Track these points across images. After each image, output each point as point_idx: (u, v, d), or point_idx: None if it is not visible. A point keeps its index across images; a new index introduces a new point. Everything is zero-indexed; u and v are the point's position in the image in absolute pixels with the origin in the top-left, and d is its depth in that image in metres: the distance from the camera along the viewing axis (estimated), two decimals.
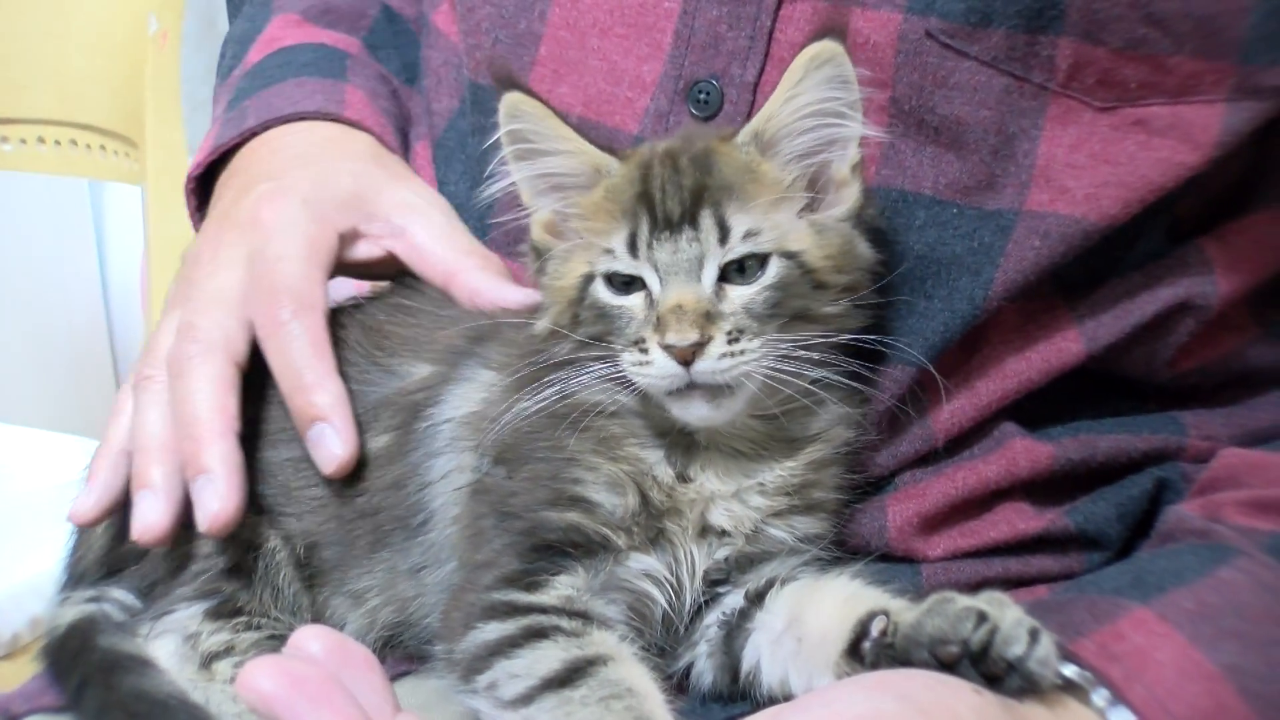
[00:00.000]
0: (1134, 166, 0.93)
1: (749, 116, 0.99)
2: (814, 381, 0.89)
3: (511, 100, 0.92)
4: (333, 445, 0.97)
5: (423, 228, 1.08)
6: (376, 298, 1.10)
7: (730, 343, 0.86)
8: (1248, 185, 1.01)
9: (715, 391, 0.87)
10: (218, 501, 0.95)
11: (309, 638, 0.79)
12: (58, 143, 1.84)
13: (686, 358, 0.85)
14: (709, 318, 0.86)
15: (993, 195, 0.95)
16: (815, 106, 0.89)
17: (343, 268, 1.08)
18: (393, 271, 1.10)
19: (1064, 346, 0.97)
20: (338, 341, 1.02)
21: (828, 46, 0.87)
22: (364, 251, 1.09)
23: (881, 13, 0.94)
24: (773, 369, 0.87)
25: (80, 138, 1.85)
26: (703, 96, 1.00)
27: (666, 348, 0.86)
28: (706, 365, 0.85)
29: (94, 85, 1.84)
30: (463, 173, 1.17)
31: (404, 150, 1.22)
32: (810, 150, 0.90)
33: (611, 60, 1.04)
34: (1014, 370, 0.98)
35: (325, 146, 1.14)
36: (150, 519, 0.96)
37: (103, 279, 2.69)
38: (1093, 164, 0.93)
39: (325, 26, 1.27)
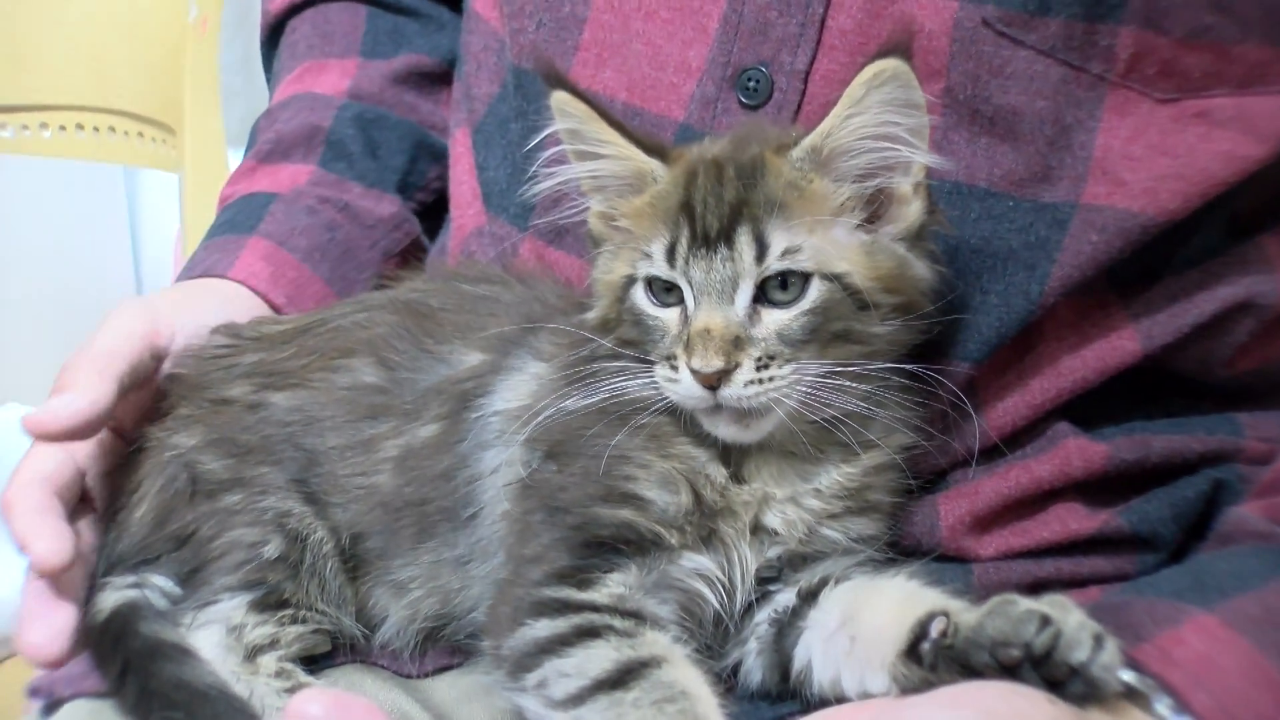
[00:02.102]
0: (1194, 159, 0.91)
1: (799, 106, 0.98)
2: (861, 396, 0.87)
3: (560, 99, 0.91)
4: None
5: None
6: (430, 282, 1.09)
7: (759, 369, 0.85)
8: None
9: (743, 414, 0.86)
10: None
11: (307, 700, 0.77)
12: (95, 129, 1.83)
13: (712, 383, 0.85)
14: (738, 343, 0.85)
15: (1048, 187, 0.93)
16: (875, 130, 0.86)
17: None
18: None
19: (1120, 345, 0.95)
20: (379, 331, 1.03)
21: (890, 64, 0.84)
22: None
23: (937, 0, 0.92)
24: (806, 394, 0.86)
25: (118, 124, 1.84)
26: (751, 84, 0.99)
27: (693, 371, 0.85)
28: (732, 392, 0.85)
29: (132, 72, 1.83)
30: (503, 157, 1.17)
31: (351, 266, 1.25)
32: (868, 172, 0.88)
33: (656, 45, 1.03)
34: (1069, 369, 0.96)
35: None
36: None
37: (136, 265, 2.69)
38: (1151, 156, 0.92)
39: (276, 163, 1.28)
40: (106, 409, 0.97)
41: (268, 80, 1.46)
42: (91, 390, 0.96)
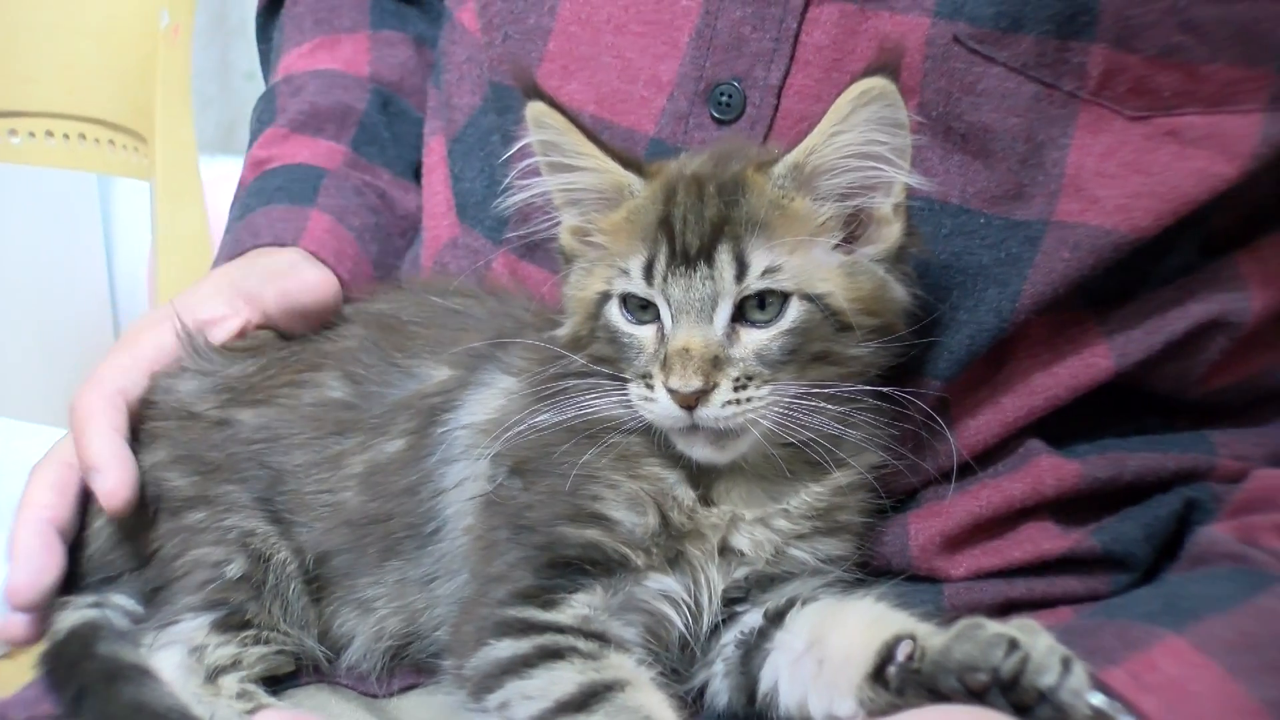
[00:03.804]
0: (1167, 177, 0.91)
1: (773, 121, 0.97)
2: (835, 417, 0.87)
3: (536, 110, 0.90)
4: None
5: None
6: (400, 295, 1.09)
7: (737, 389, 0.84)
8: None
9: (719, 434, 0.86)
10: (109, 485, 0.98)
11: None
12: (66, 136, 1.82)
13: (689, 403, 0.84)
14: (716, 363, 0.84)
15: (1021, 205, 0.93)
16: (860, 148, 0.86)
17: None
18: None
19: (1093, 362, 0.95)
20: (346, 345, 1.02)
21: (877, 83, 0.83)
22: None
23: (910, 17, 0.92)
24: (782, 415, 0.85)
25: (89, 132, 1.83)
26: (724, 99, 0.98)
27: (671, 391, 0.84)
28: (709, 412, 0.84)
29: (104, 79, 1.82)
30: (481, 169, 1.16)
31: (389, 252, 1.25)
32: (850, 191, 0.87)
33: (626, 58, 1.02)
34: (1041, 386, 0.95)
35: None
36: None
37: (110, 274, 2.67)
38: (1124, 174, 0.91)
39: (311, 135, 1.27)
40: None
41: (260, 53, 1.45)
42: None
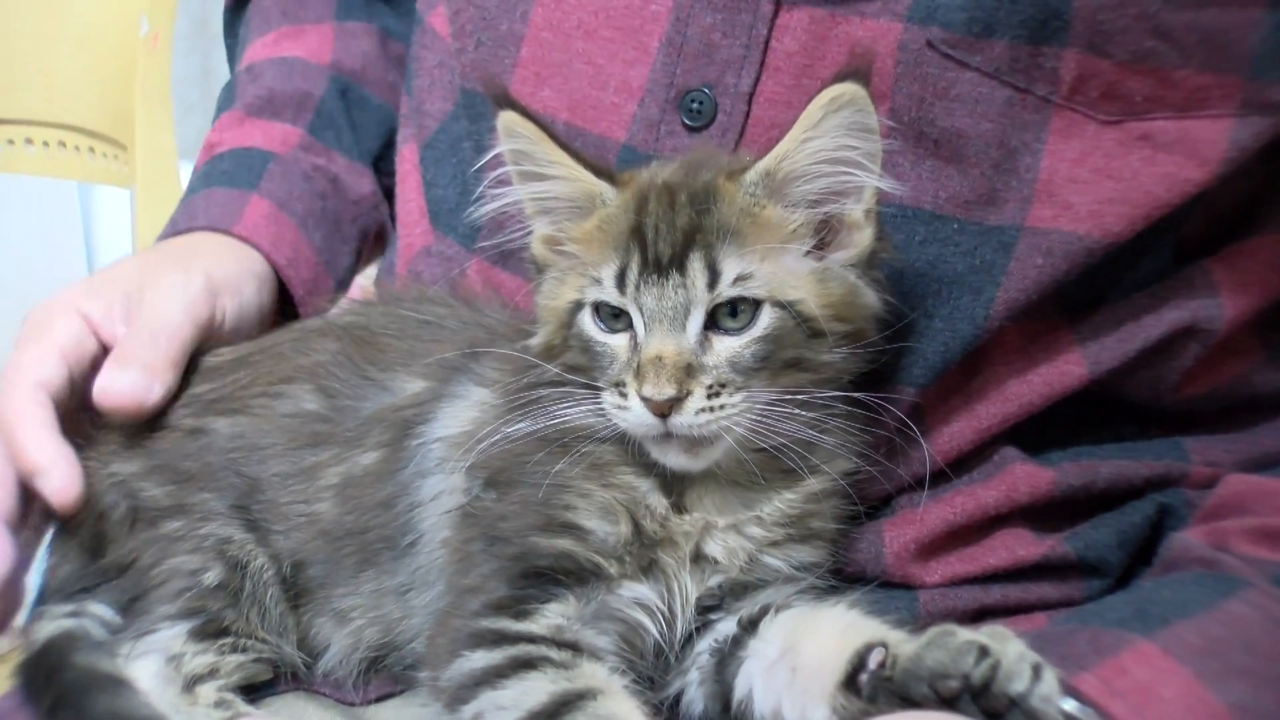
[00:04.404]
0: (1139, 182, 0.91)
1: (744, 128, 0.97)
2: (808, 423, 0.87)
3: (508, 120, 0.90)
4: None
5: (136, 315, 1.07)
6: (372, 306, 1.09)
7: (710, 397, 0.84)
8: (1255, 206, 0.99)
9: (693, 442, 0.86)
10: (54, 485, 0.96)
11: None
12: (46, 144, 1.81)
13: (663, 411, 0.84)
14: (689, 371, 0.85)
15: (994, 210, 0.93)
16: (831, 154, 0.86)
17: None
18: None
19: (1067, 370, 0.95)
20: (319, 359, 1.02)
21: (849, 89, 0.83)
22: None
23: (881, 22, 0.92)
24: (756, 421, 0.85)
25: (69, 139, 1.82)
26: (695, 106, 0.98)
27: (645, 399, 0.84)
28: (683, 420, 0.84)
29: (83, 86, 1.81)
30: (453, 176, 1.16)
31: (337, 238, 1.25)
32: (822, 197, 0.87)
33: (597, 64, 1.02)
34: (1015, 393, 0.96)
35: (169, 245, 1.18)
36: None
37: None
38: (1097, 179, 0.91)
39: (267, 119, 1.27)
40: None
41: (228, 47, 1.45)
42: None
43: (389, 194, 1.31)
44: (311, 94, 1.29)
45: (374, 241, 1.31)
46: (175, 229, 1.18)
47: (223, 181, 1.21)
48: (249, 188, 1.20)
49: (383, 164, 1.32)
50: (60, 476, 0.97)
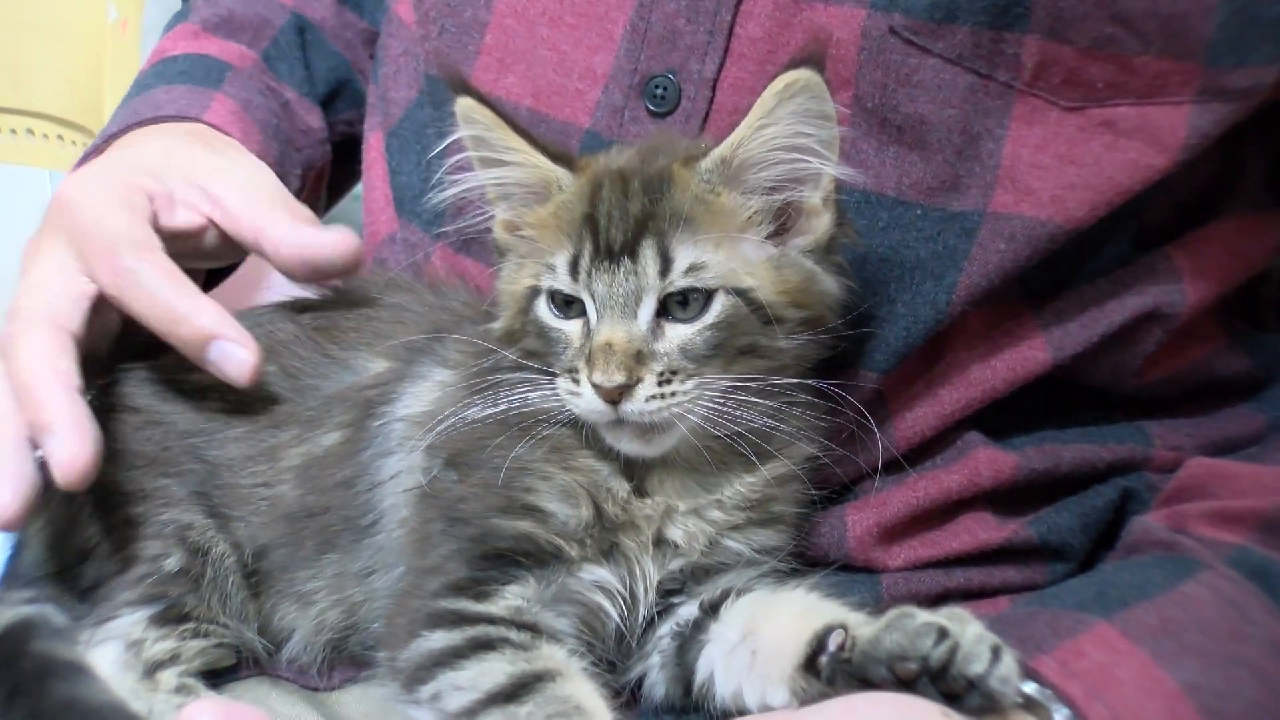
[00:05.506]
0: (1101, 168, 0.91)
1: (708, 114, 0.97)
2: (766, 411, 0.86)
3: (465, 106, 0.90)
4: (238, 353, 0.93)
5: (235, 191, 1.03)
6: (328, 300, 1.08)
7: (661, 384, 0.84)
8: (1215, 192, 1.00)
9: (646, 429, 0.86)
10: (65, 451, 0.87)
11: (198, 711, 0.77)
12: (14, 132, 1.80)
13: (614, 398, 0.84)
14: (640, 358, 0.85)
15: (957, 196, 0.93)
16: (786, 141, 0.85)
17: (169, 238, 0.99)
18: (226, 249, 1.06)
19: (1030, 355, 0.95)
20: (280, 338, 1.01)
21: (803, 75, 0.83)
22: (183, 219, 1.02)
23: (844, 8, 0.92)
24: (709, 409, 0.85)
25: (37, 127, 1.80)
26: (659, 92, 0.98)
27: (595, 386, 0.84)
28: (633, 407, 0.84)
29: (51, 74, 1.80)
30: (417, 163, 1.16)
31: (289, 160, 1.21)
32: (778, 184, 0.87)
33: (561, 51, 1.02)
34: (978, 378, 0.96)
35: (157, 134, 1.11)
36: None
37: None
38: (1059, 165, 0.92)
39: (223, 37, 1.26)
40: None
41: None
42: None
43: (335, 147, 1.30)
44: (271, 22, 1.28)
45: (316, 179, 1.29)
46: (137, 119, 1.12)
47: (181, 80, 1.18)
48: (212, 86, 1.17)
49: (329, 109, 1.31)
50: (74, 444, 0.88)
